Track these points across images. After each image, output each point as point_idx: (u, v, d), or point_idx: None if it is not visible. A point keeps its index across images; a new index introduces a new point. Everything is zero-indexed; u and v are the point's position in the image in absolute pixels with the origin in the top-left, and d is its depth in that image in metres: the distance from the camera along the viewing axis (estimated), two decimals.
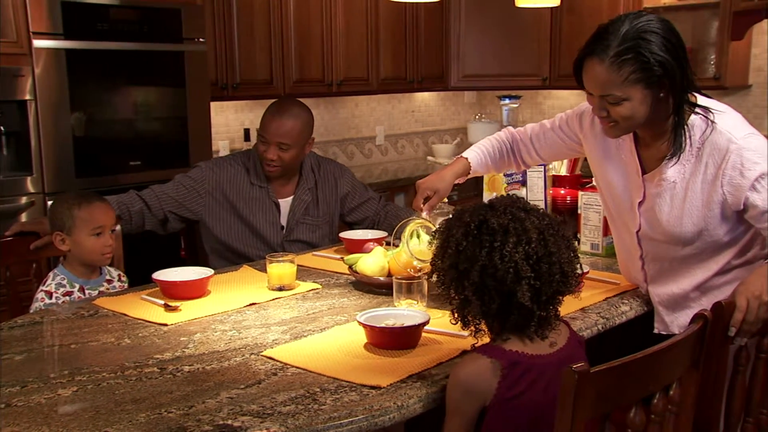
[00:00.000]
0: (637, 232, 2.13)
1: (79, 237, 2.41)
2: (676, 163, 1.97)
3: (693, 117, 1.96)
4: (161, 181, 3.64)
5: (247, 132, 4.53)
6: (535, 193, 2.90)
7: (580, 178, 3.01)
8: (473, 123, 5.77)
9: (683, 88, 1.89)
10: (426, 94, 5.78)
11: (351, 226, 3.17)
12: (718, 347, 1.71)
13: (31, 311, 2.35)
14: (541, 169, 2.87)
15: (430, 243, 1.80)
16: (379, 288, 2.36)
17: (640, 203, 2.09)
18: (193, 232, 3.25)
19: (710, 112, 1.95)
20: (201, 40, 3.82)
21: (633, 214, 2.12)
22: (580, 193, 2.75)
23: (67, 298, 2.40)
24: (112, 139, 3.60)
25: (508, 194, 1.73)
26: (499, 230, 1.59)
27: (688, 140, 1.94)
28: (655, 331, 2.21)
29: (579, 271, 1.66)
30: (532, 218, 1.62)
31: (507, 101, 5.74)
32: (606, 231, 2.67)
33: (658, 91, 1.88)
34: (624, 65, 1.84)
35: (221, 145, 4.52)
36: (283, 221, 3.01)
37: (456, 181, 2.44)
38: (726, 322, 1.73)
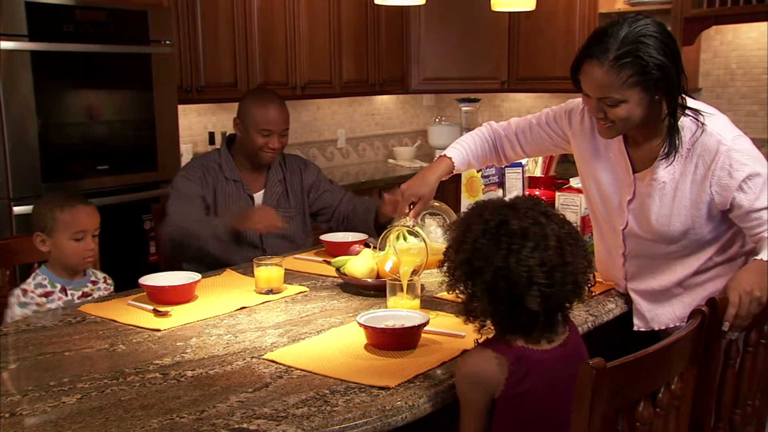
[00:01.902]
0: (623, 229, 2.17)
1: (59, 240, 2.36)
2: (669, 163, 2.02)
3: (683, 119, 2.00)
4: (129, 186, 3.61)
5: (212, 135, 4.49)
6: (513, 194, 2.94)
7: (554, 179, 3.08)
8: (433, 126, 5.81)
9: (678, 90, 1.94)
10: (386, 97, 5.80)
11: (316, 218, 3.20)
12: (712, 342, 1.77)
13: (7, 310, 2.32)
14: (519, 170, 2.93)
15: (444, 234, 1.79)
16: (368, 290, 2.37)
17: (630, 201, 2.13)
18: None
19: (700, 114, 2.00)
20: (167, 42, 3.77)
21: (621, 212, 2.16)
22: (558, 193, 2.80)
23: (44, 299, 2.35)
24: (78, 142, 3.52)
25: (529, 196, 1.74)
26: (518, 233, 1.59)
27: (680, 143, 1.99)
28: (635, 328, 2.24)
29: (591, 282, 1.67)
30: (553, 225, 1.62)
31: (466, 104, 5.81)
32: (584, 231, 2.73)
33: (654, 93, 1.93)
34: (623, 68, 1.87)
35: (184, 149, 4.45)
36: None
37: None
38: (720, 318, 1.79)
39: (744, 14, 4.58)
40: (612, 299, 2.28)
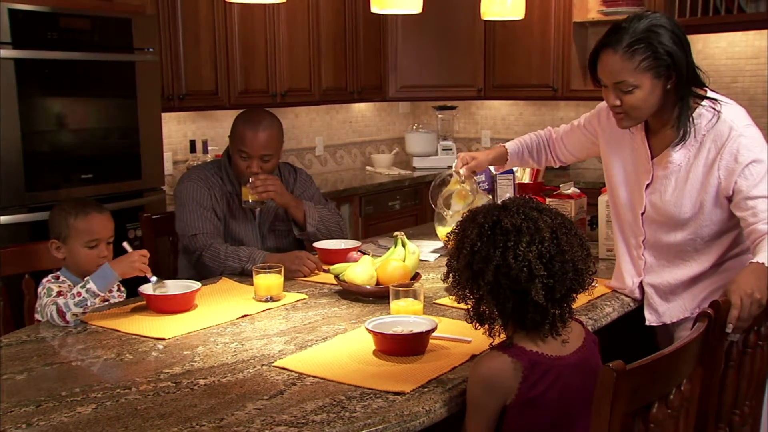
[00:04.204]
0: (642, 214, 2.30)
1: (73, 247, 2.35)
2: (681, 148, 2.16)
3: (700, 108, 2.15)
4: (113, 195, 3.57)
5: (193, 144, 4.47)
6: (506, 196, 2.98)
7: (542, 186, 3.12)
8: (411, 133, 5.84)
9: (688, 79, 2.09)
10: (362, 105, 5.83)
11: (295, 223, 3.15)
12: (716, 344, 1.82)
13: (41, 296, 2.29)
14: (510, 176, 2.96)
15: (445, 244, 1.84)
16: (367, 296, 2.39)
17: (648, 185, 2.27)
18: (154, 246, 3.19)
19: (718, 103, 2.15)
20: (151, 50, 3.75)
21: (640, 197, 2.30)
22: (548, 200, 2.85)
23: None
24: (62, 151, 3.48)
25: (520, 196, 1.78)
26: (512, 230, 1.63)
27: (693, 128, 2.14)
28: (647, 323, 2.35)
29: (592, 269, 1.71)
30: (545, 217, 1.66)
31: (442, 111, 5.87)
32: None
33: (666, 82, 2.08)
34: (636, 54, 2.05)
35: (164, 157, 4.43)
36: (257, 229, 3.01)
37: (494, 167, 2.79)
38: (723, 320, 1.84)
39: (714, 24, 4.69)
40: (608, 303, 2.33)
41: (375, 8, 2.78)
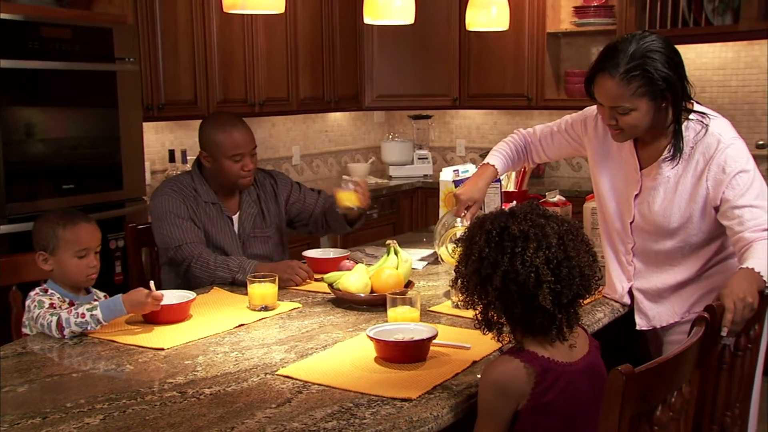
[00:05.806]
0: (631, 223, 2.35)
1: (62, 258, 2.32)
2: (673, 165, 2.22)
3: (688, 122, 2.20)
4: (95, 205, 3.54)
5: (172, 153, 4.44)
6: (492, 208, 3.02)
7: (526, 194, 3.17)
8: (386, 142, 5.87)
9: (682, 98, 2.14)
10: (338, 114, 5.85)
11: (294, 224, 3.20)
12: (711, 347, 1.87)
13: (31, 309, 2.26)
14: (497, 185, 3.00)
15: (453, 250, 1.87)
16: (361, 305, 2.40)
17: (636, 196, 2.32)
18: (137, 255, 3.18)
19: (706, 116, 2.20)
20: (131, 60, 3.73)
21: (629, 207, 2.35)
22: None
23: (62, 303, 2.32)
24: (43, 161, 3.44)
25: (528, 202, 1.81)
26: (520, 236, 1.67)
27: (682, 142, 2.19)
28: (637, 327, 2.40)
29: (599, 275, 1.75)
30: (552, 224, 1.70)
31: (418, 120, 5.91)
32: None
33: (661, 102, 2.13)
34: (632, 81, 2.08)
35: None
36: (237, 237, 3.01)
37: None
38: (717, 324, 1.89)
39: (683, 36, 4.79)
40: (599, 309, 2.37)
41: (368, 19, 2.80)
